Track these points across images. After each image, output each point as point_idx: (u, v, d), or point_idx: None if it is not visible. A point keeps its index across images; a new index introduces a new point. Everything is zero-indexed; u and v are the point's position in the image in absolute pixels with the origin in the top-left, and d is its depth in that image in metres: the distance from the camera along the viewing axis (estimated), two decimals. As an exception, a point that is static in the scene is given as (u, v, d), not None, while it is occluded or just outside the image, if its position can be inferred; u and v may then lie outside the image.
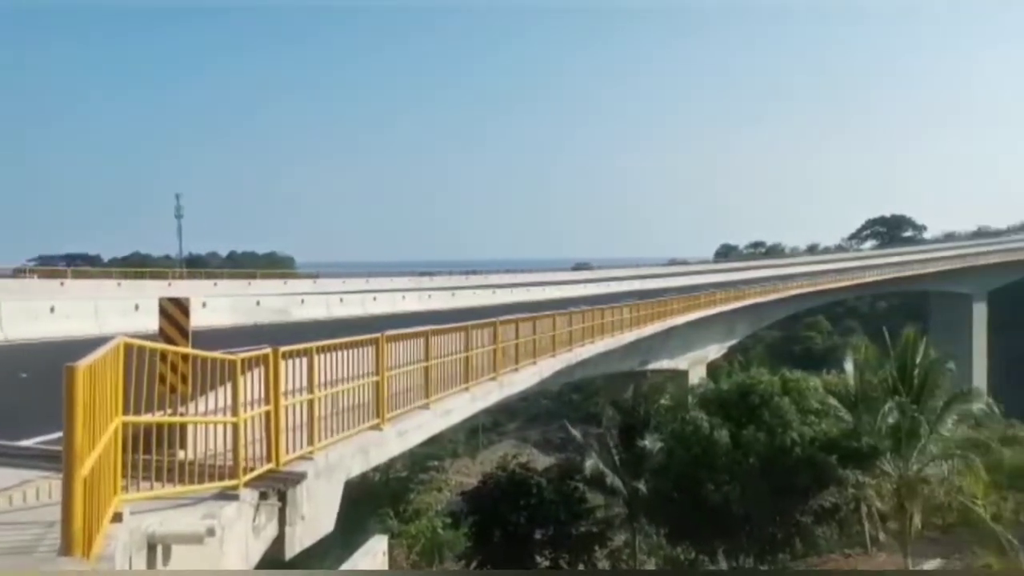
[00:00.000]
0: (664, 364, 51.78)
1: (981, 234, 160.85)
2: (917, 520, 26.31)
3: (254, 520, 7.17)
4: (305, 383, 8.64)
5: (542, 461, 43.85)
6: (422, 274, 61.32)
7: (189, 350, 6.85)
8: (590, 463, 28.79)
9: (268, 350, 7.69)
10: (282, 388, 8.04)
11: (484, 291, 45.63)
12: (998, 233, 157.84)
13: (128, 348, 5.26)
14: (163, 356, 6.43)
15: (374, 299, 37.42)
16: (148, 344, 5.72)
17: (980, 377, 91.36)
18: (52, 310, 23.10)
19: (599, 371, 42.08)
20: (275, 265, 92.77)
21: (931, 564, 26.32)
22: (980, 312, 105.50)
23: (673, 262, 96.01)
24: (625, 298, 45.44)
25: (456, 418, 15.04)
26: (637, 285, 64.02)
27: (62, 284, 34.55)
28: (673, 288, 61.73)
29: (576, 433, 33.20)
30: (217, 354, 6.88)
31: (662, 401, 32.95)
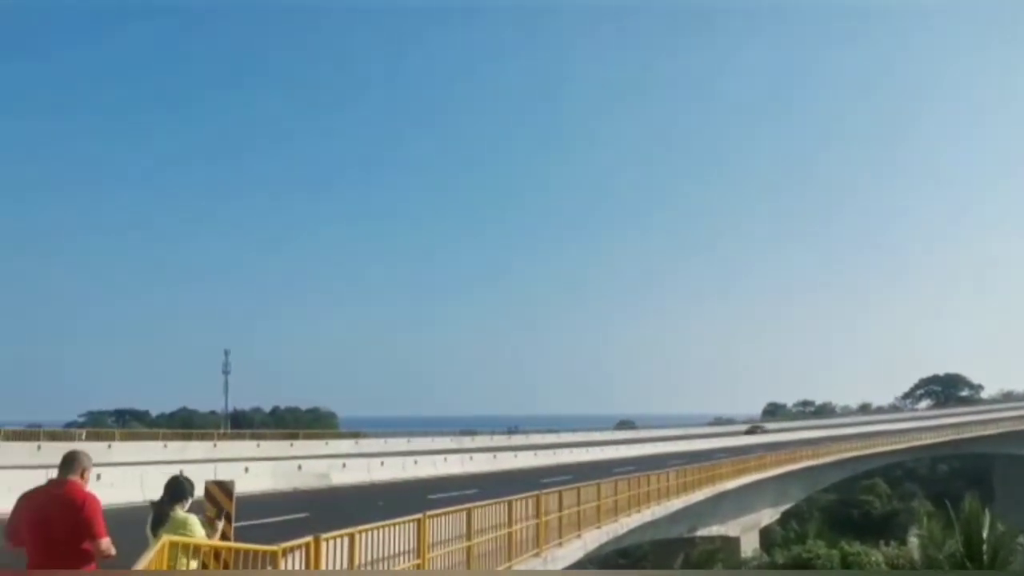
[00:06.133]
0: (714, 530, 49.75)
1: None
2: None
3: None
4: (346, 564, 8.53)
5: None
6: (463, 433, 61.08)
7: (231, 544, 6.84)
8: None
9: (310, 539, 7.62)
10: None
11: (526, 453, 45.07)
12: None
13: (172, 547, 5.41)
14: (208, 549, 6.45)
15: (415, 462, 37.04)
16: (191, 541, 5.81)
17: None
18: (99, 477, 23.24)
19: (646, 537, 40.60)
20: (318, 421, 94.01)
21: None
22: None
23: (719, 420, 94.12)
24: (671, 460, 44.38)
25: (498, 600, 14.46)
26: (683, 446, 62.66)
27: (109, 447, 34.82)
28: (720, 449, 60.28)
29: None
30: (258, 547, 6.84)
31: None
